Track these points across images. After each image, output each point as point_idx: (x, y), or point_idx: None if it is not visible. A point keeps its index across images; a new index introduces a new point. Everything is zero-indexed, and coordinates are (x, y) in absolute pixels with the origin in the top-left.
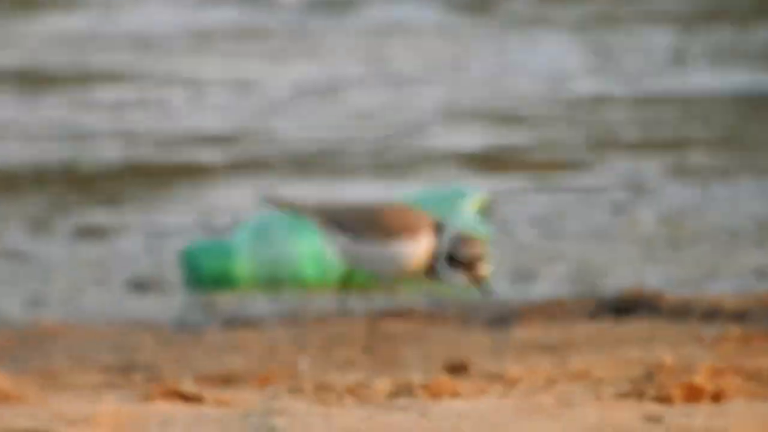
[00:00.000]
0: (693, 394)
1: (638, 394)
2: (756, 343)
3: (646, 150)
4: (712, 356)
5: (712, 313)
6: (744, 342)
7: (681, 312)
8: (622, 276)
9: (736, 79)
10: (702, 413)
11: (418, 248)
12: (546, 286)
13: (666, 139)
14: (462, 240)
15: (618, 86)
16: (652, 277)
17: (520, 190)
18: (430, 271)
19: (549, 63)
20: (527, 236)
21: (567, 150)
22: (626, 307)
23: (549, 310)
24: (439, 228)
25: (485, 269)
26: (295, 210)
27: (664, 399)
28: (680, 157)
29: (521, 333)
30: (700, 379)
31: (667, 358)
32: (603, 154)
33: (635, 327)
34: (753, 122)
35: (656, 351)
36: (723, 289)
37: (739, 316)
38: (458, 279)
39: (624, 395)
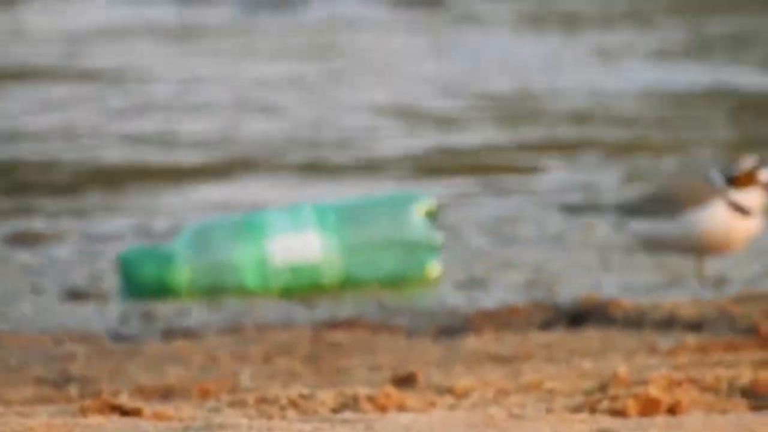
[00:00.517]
0: (648, 407)
1: (591, 407)
2: (713, 354)
3: (602, 152)
4: (668, 367)
5: (668, 323)
6: (701, 352)
7: (636, 321)
8: (577, 284)
9: (687, 75)
10: (657, 426)
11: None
12: (498, 294)
13: (621, 141)
14: (729, 163)
15: (573, 83)
16: (607, 285)
17: (471, 195)
18: (735, 208)
19: (500, 61)
20: (478, 242)
21: (520, 153)
22: (581, 316)
23: (501, 320)
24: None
25: (762, 175)
26: (592, 209)
27: (618, 412)
28: (636, 160)
29: (472, 343)
30: (655, 391)
31: (622, 369)
32: (557, 156)
33: (589, 337)
34: (695, 121)
35: (611, 362)
36: (680, 298)
37: (696, 325)
38: (750, 196)
39: (577, 408)
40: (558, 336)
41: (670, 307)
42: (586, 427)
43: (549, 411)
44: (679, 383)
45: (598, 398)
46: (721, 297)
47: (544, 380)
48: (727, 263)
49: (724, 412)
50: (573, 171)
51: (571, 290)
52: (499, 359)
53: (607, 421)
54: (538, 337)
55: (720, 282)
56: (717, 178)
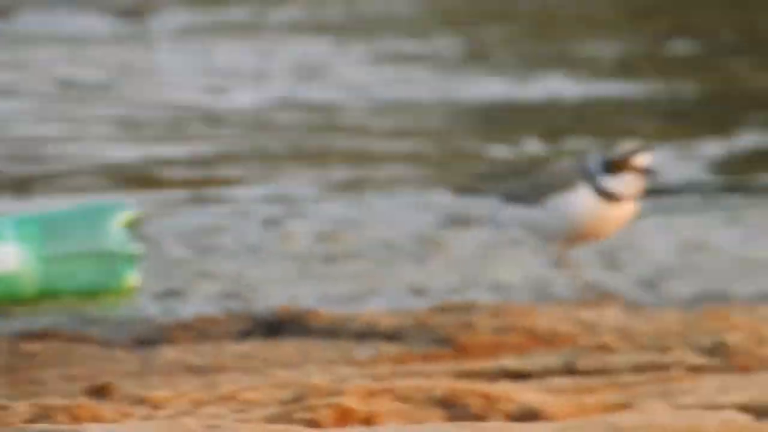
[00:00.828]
0: (344, 417)
1: (288, 417)
2: (410, 364)
3: (300, 162)
4: (365, 377)
5: (366, 333)
6: (398, 362)
7: (334, 331)
8: (275, 294)
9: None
10: None
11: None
12: (195, 305)
13: (315, 151)
14: (606, 152)
15: (277, 96)
16: (305, 295)
17: (172, 205)
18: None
19: (211, 72)
20: (177, 253)
21: (220, 163)
22: (278, 326)
23: (198, 330)
24: (582, 167)
25: (642, 160)
26: (490, 190)
27: (314, 422)
28: (331, 170)
29: (168, 353)
30: (351, 401)
31: (319, 379)
32: (257, 166)
33: (287, 347)
34: (431, 132)
35: (308, 372)
36: (379, 307)
37: (394, 335)
38: (622, 182)
39: (273, 418)
40: (255, 346)
41: (368, 317)
42: None
43: (245, 421)
44: (375, 393)
45: (295, 408)
46: (420, 307)
47: (240, 391)
48: (425, 274)
49: (420, 422)
50: (275, 182)
51: (268, 300)
52: (195, 370)
53: (302, 431)
54: (235, 348)
55: (419, 291)
56: (593, 163)
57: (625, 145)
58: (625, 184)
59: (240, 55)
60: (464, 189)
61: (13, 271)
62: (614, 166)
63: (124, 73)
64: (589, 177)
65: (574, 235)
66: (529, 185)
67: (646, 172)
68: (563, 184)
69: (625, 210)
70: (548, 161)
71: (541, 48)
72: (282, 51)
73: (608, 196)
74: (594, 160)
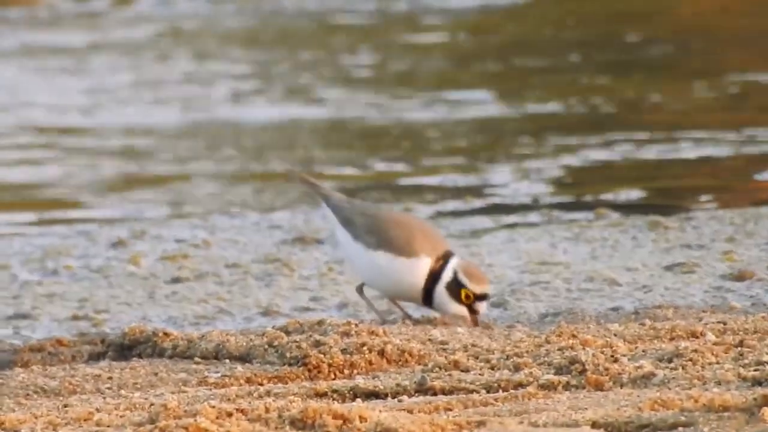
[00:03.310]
0: None
1: None
2: (263, 384)
3: (147, 185)
4: (217, 398)
5: (217, 353)
6: (250, 383)
7: (185, 352)
8: (125, 315)
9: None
10: None
11: (417, 268)
12: (46, 327)
13: (168, 173)
14: (468, 273)
15: (120, 120)
16: (155, 317)
17: (19, 227)
18: (427, 296)
19: (54, 94)
20: (25, 275)
21: (66, 185)
22: (129, 347)
23: (50, 352)
24: (445, 256)
25: (484, 307)
26: (318, 192)
27: None
28: (181, 193)
29: (20, 377)
30: (204, 422)
31: (171, 400)
32: (103, 188)
33: (138, 368)
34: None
35: (160, 393)
36: (228, 328)
37: (245, 355)
38: (454, 309)
39: None
40: (107, 368)
41: (218, 338)
42: None
43: None
44: (229, 414)
45: (148, 430)
46: (269, 327)
47: (93, 413)
48: (273, 294)
49: None
50: (121, 204)
51: (118, 322)
52: (48, 392)
53: None
54: (87, 370)
55: (267, 312)
56: (449, 272)
57: (480, 280)
58: (453, 310)
59: (78, 78)
60: (302, 179)
61: None
62: (458, 293)
63: None
64: (435, 277)
65: (381, 291)
66: (369, 221)
67: (475, 316)
68: (409, 250)
69: (431, 309)
70: (405, 209)
71: (391, 68)
72: (113, 73)
73: (427, 300)
74: (451, 267)
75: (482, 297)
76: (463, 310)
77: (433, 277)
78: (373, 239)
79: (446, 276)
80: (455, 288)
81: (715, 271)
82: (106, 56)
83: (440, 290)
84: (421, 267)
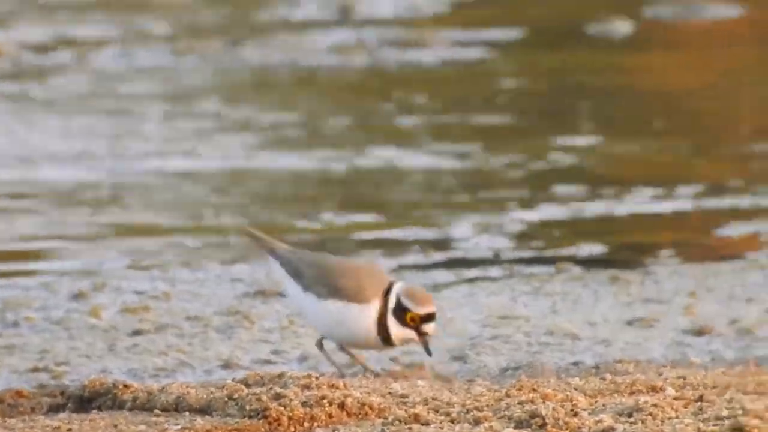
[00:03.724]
0: None
1: None
2: None
3: (107, 237)
4: None
5: (177, 406)
6: None
7: (145, 405)
8: (85, 367)
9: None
10: None
11: (369, 312)
12: (5, 379)
13: (131, 225)
14: (410, 295)
15: (83, 171)
16: (115, 369)
17: None
18: (384, 333)
19: (16, 146)
20: None
21: (26, 237)
22: (88, 399)
23: (9, 404)
24: (389, 287)
25: (431, 328)
26: (266, 247)
27: None
28: (141, 244)
29: None
30: None
31: None
32: (63, 239)
33: (98, 421)
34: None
35: None
36: (188, 380)
37: (205, 408)
38: (403, 335)
39: None
40: (66, 420)
41: (179, 390)
42: None
43: None
44: None
45: None
46: (230, 380)
47: None
48: (233, 346)
49: None
50: (81, 255)
51: (78, 374)
52: None
53: None
54: (46, 422)
55: (228, 365)
56: (393, 298)
57: (422, 300)
58: (404, 336)
59: (41, 132)
60: (252, 236)
61: None
62: (404, 317)
63: None
64: (383, 311)
65: (337, 340)
66: (317, 271)
67: (424, 337)
68: (358, 297)
69: (388, 349)
70: (350, 253)
71: (350, 120)
72: (71, 127)
73: (386, 339)
74: (394, 294)
75: (427, 318)
76: (411, 334)
77: (383, 312)
78: (323, 289)
79: (391, 303)
80: (400, 312)
81: (675, 325)
82: (60, 107)
83: (391, 320)
84: (372, 310)
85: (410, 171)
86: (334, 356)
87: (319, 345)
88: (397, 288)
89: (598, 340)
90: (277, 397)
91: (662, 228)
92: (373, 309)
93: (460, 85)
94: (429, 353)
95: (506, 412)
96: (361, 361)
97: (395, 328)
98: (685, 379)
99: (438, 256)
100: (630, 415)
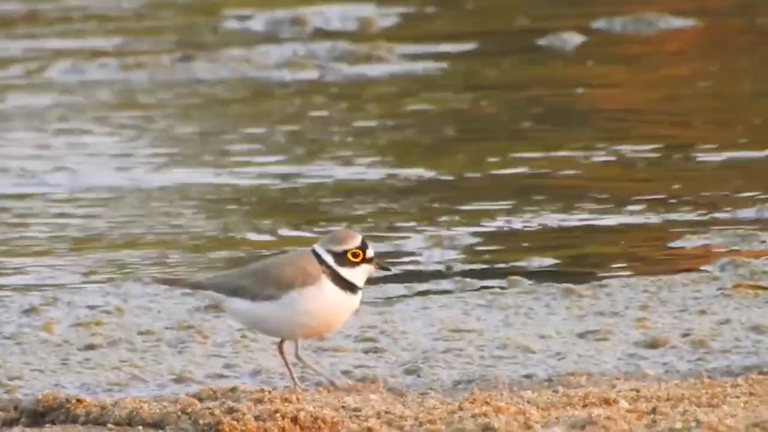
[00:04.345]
0: None
1: None
2: None
3: (59, 252)
4: None
5: (130, 420)
6: None
7: (98, 419)
8: (38, 382)
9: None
10: None
11: (324, 284)
12: None
13: (80, 239)
14: (336, 240)
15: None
16: (68, 383)
17: None
18: (345, 286)
19: None
20: None
21: None
22: (42, 414)
23: None
24: (316, 255)
25: (371, 252)
26: (189, 285)
27: None
28: (93, 259)
29: None
30: None
31: None
32: (15, 253)
33: None
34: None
35: None
36: (141, 394)
37: (158, 422)
38: (363, 272)
39: None
40: None
41: (132, 404)
42: None
43: None
44: None
45: None
46: (182, 394)
47: None
48: (185, 360)
49: None
50: (33, 270)
51: (31, 389)
52: None
53: None
54: None
55: (181, 379)
56: (326, 256)
57: (348, 236)
58: (362, 275)
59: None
60: (166, 282)
61: None
62: (349, 258)
63: None
64: (328, 270)
65: (314, 328)
66: (256, 278)
67: (375, 261)
68: (305, 278)
69: (358, 299)
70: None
71: (305, 135)
72: (22, 140)
73: (350, 288)
74: (323, 250)
75: (363, 245)
76: (365, 268)
77: (331, 273)
78: (272, 290)
79: (330, 260)
80: (342, 258)
81: (628, 338)
82: (14, 122)
83: (342, 272)
84: (324, 281)
85: (360, 184)
86: (293, 367)
87: (280, 348)
88: (319, 248)
89: (551, 353)
90: (231, 411)
91: (614, 240)
92: (324, 280)
93: (410, 98)
94: (389, 269)
95: (459, 425)
96: (317, 370)
97: (350, 274)
98: (638, 391)
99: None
100: (583, 428)
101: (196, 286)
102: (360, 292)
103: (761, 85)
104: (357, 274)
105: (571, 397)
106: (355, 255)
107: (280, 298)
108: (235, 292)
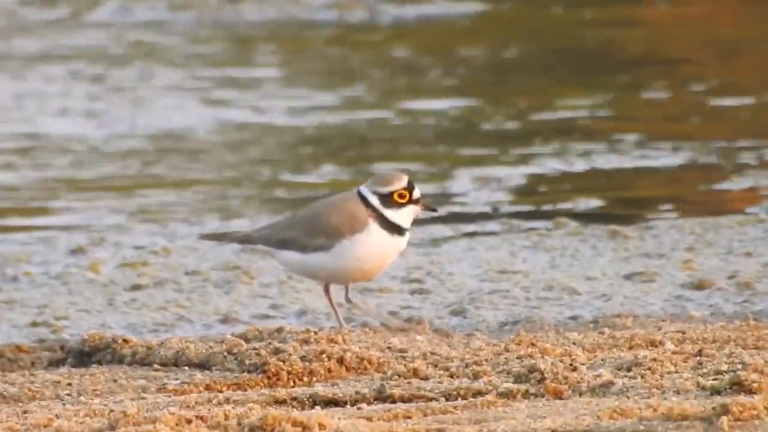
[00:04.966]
0: None
1: None
2: (222, 391)
3: (106, 192)
4: (177, 405)
5: (176, 361)
6: (209, 390)
7: (144, 359)
8: (84, 322)
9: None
10: None
11: (372, 229)
12: (5, 334)
13: (127, 180)
14: (381, 182)
15: (80, 124)
16: (114, 323)
17: None
18: (392, 229)
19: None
20: None
21: (24, 193)
22: (88, 354)
23: (9, 359)
24: (362, 197)
25: (418, 192)
26: (238, 240)
27: None
28: (141, 200)
29: None
30: (164, 429)
31: (131, 407)
32: (61, 194)
33: (98, 375)
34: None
35: (120, 400)
36: (187, 335)
37: (204, 363)
38: (409, 213)
39: None
40: (66, 375)
41: (179, 345)
42: None
43: None
44: (188, 421)
45: None
46: (229, 335)
47: (53, 419)
48: (232, 301)
49: None
50: (80, 210)
51: (78, 329)
52: (7, 398)
53: None
54: (46, 376)
55: (226, 320)
56: (372, 198)
57: (394, 177)
58: (406, 216)
59: (32, 85)
60: (215, 237)
61: None
62: (395, 199)
63: None
64: (375, 213)
65: (364, 273)
66: (305, 229)
67: (421, 202)
68: (353, 223)
69: (405, 240)
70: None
71: (353, 75)
72: (75, 79)
73: (397, 230)
74: (369, 193)
75: (410, 186)
76: (411, 209)
77: (378, 216)
78: (321, 241)
79: (375, 203)
80: (388, 200)
81: (674, 280)
82: (63, 64)
83: (389, 214)
84: (372, 226)
85: (407, 126)
86: (339, 308)
87: (326, 290)
88: (365, 189)
89: (596, 294)
90: (276, 351)
91: (661, 183)
92: (371, 225)
93: (456, 41)
94: (436, 209)
95: (505, 367)
96: (368, 311)
97: (396, 215)
98: (684, 333)
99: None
100: (629, 370)
101: (245, 240)
102: (407, 233)
103: None
104: (403, 216)
105: (617, 338)
106: (401, 196)
107: (331, 248)
108: (283, 244)
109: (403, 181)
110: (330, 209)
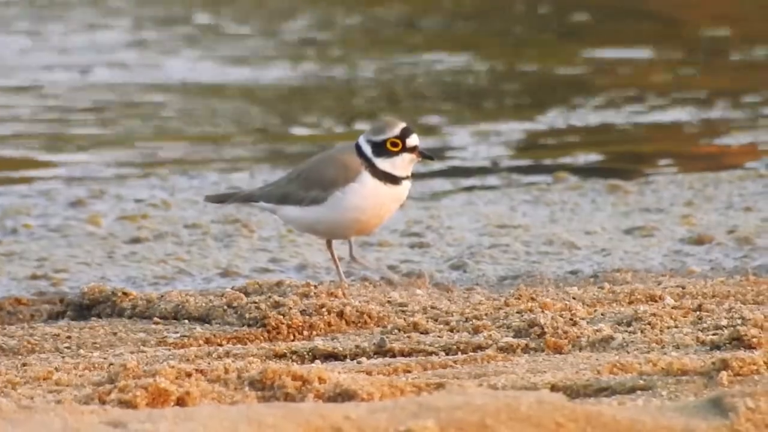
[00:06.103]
0: (157, 398)
1: (101, 399)
2: (222, 345)
3: (106, 145)
4: (177, 358)
5: (176, 314)
6: (209, 343)
7: (144, 313)
8: (84, 275)
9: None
10: (167, 418)
11: (365, 179)
12: (4, 286)
13: (126, 133)
14: (375, 130)
15: (76, 77)
16: (114, 277)
17: None
18: (387, 179)
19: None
20: None
21: (23, 145)
22: (88, 307)
23: (8, 311)
24: (357, 148)
25: (415, 138)
26: (241, 199)
27: (127, 403)
28: (140, 152)
29: None
30: (164, 382)
31: (131, 360)
32: (61, 147)
33: (97, 328)
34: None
35: (120, 353)
36: (187, 288)
37: (204, 316)
38: (404, 161)
39: (86, 399)
40: (66, 328)
41: (178, 298)
42: (96, 418)
43: (58, 402)
44: (188, 374)
45: (108, 390)
46: (228, 288)
47: (52, 372)
48: (232, 254)
49: (233, 403)
50: (79, 163)
51: (77, 282)
52: (6, 351)
53: (117, 412)
54: (46, 329)
55: (226, 273)
56: (366, 147)
57: (388, 124)
58: (402, 164)
59: (34, 36)
60: (218, 199)
61: None
62: (388, 147)
63: None
64: (368, 162)
65: (362, 224)
66: (302, 183)
67: (417, 150)
68: (343, 176)
69: (404, 190)
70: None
71: (353, 30)
72: (71, 35)
73: (390, 179)
74: (364, 142)
75: (405, 133)
76: (405, 157)
77: (371, 166)
78: (317, 193)
79: (368, 152)
80: (381, 149)
81: (674, 235)
82: (60, 19)
83: (382, 163)
84: (365, 175)
85: (406, 79)
86: (340, 262)
87: (329, 244)
88: (361, 139)
89: (596, 249)
90: (276, 305)
91: (661, 137)
92: (364, 174)
93: None
94: (432, 157)
95: (505, 321)
96: (373, 267)
97: (388, 164)
98: (683, 288)
99: (437, 165)
100: (629, 325)
101: (248, 198)
102: (406, 183)
103: None
104: (396, 164)
105: (617, 293)
106: (393, 144)
107: (325, 200)
108: (284, 199)
109: (396, 128)
110: (326, 161)
